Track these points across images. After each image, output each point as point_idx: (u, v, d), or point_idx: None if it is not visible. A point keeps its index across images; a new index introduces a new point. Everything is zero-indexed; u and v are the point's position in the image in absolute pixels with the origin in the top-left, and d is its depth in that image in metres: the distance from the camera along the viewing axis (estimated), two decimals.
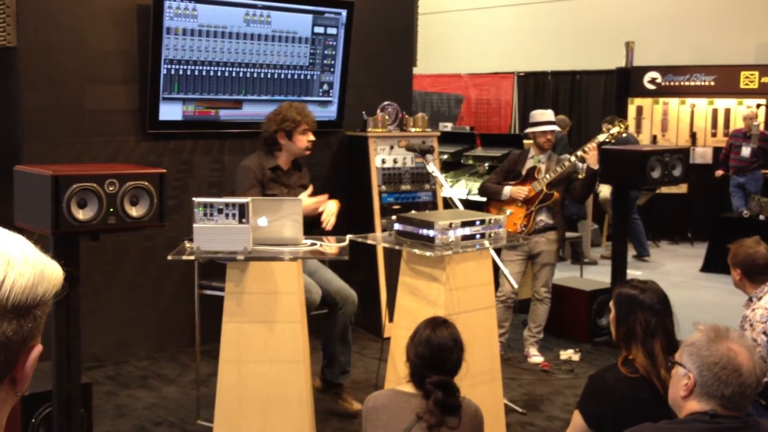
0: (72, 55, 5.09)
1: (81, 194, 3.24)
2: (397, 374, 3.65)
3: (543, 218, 5.60)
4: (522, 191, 5.54)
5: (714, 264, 8.59)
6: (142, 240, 5.41)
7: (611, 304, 2.94)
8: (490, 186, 5.75)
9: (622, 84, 10.97)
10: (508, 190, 5.60)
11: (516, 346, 5.87)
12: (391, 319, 4.21)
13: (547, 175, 5.53)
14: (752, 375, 2.07)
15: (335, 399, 4.61)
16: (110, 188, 3.30)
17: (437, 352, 2.76)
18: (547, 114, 5.71)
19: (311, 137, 4.52)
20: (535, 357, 5.68)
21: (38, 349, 1.10)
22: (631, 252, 9.31)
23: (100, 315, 5.27)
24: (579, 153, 5.55)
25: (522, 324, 6.03)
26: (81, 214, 3.25)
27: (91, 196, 3.26)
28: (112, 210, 3.31)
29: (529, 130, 5.71)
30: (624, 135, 5.90)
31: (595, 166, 5.50)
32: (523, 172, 5.65)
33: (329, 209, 4.40)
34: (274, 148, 4.52)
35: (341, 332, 4.49)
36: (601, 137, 5.62)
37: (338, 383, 4.57)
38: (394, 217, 4.03)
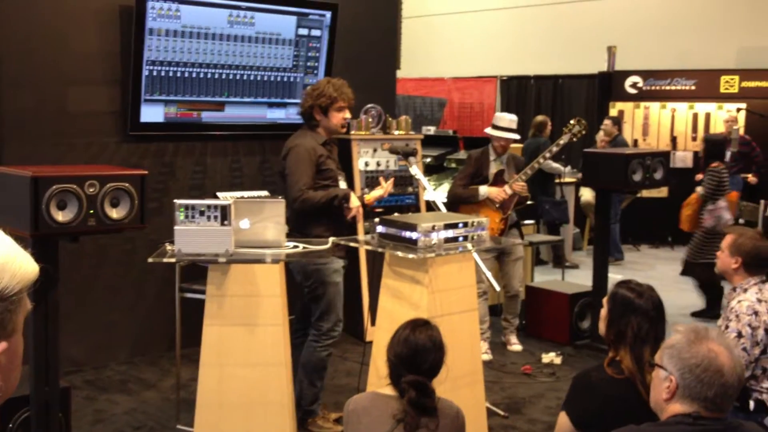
0: (53, 57, 5.04)
1: (61, 195, 3.20)
2: (379, 378, 3.64)
3: (512, 218, 5.78)
4: (500, 194, 5.59)
5: None
6: (123, 243, 5.36)
7: (605, 300, 2.92)
8: (461, 191, 5.70)
9: (604, 88, 11.02)
10: (484, 189, 5.62)
11: (497, 349, 5.88)
12: (373, 323, 4.20)
13: (519, 179, 5.62)
14: (734, 375, 2.07)
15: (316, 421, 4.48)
16: (90, 190, 3.27)
17: (414, 352, 2.75)
18: (507, 119, 5.70)
19: (347, 114, 4.46)
20: (515, 345, 5.85)
21: (1, 346, 1.06)
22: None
23: (79, 318, 5.22)
24: (531, 168, 5.70)
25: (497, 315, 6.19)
26: (60, 216, 3.21)
27: (71, 198, 3.23)
28: (92, 212, 3.27)
29: (489, 131, 5.72)
30: (583, 135, 5.95)
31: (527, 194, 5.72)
32: (490, 177, 5.71)
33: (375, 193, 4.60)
34: (313, 124, 4.45)
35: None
36: (564, 139, 5.69)
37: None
38: (376, 220, 4.02)
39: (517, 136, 5.70)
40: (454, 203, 5.84)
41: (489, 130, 5.74)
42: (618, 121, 9.59)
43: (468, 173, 5.78)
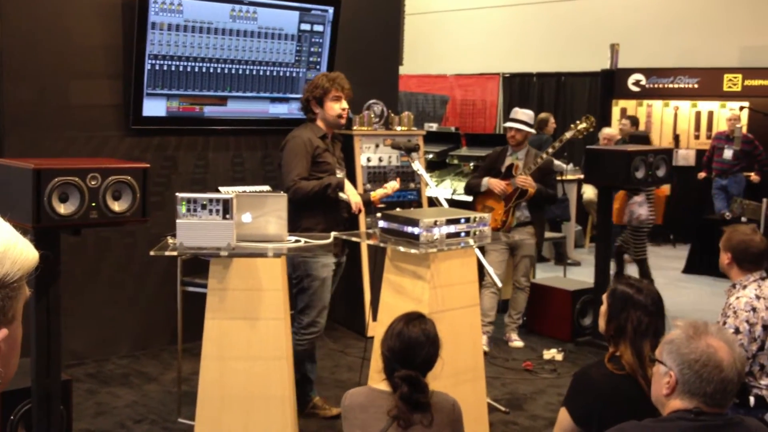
0: (56, 50, 5.04)
1: (63, 188, 3.21)
2: (379, 373, 3.64)
3: (523, 214, 5.85)
4: (499, 184, 5.75)
5: (696, 265, 8.64)
6: (124, 236, 5.37)
7: (604, 297, 2.93)
8: (472, 182, 6.03)
9: (607, 86, 11.01)
10: (486, 180, 5.85)
11: (498, 345, 5.88)
12: (375, 318, 4.20)
13: (524, 172, 5.73)
14: (733, 369, 2.06)
15: (314, 412, 4.50)
16: (92, 182, 3.27)
17: (407, 346, 2.73)
18: (519, 112, 5.92)
19: (344, 105, 4.44)
20: (516, 342, 5.93)
21: (2, 333, 1.06)
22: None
23: (81, 312, 5.22)
24: (542, 156, 5.77)
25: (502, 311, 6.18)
26: (62, 208, 3.22)
27: (72, 190, 3.23)
28: (94, 204, 3.28)
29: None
30: (592, 131, 5.98)
31: (531, 189, 5.68)
32: (503, 170, 5.88)
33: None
34: (311, 117, 4.47)
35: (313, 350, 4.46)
36: (568, 134, 5.75)
37: (311, 398, 4.51)
38: (378, 215, 4.02)
39: (524, 128, 5.81)
40: (467, 193, 6.17)
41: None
42: (636, 121, 9.58)
43: (484, 166, 6.10)
